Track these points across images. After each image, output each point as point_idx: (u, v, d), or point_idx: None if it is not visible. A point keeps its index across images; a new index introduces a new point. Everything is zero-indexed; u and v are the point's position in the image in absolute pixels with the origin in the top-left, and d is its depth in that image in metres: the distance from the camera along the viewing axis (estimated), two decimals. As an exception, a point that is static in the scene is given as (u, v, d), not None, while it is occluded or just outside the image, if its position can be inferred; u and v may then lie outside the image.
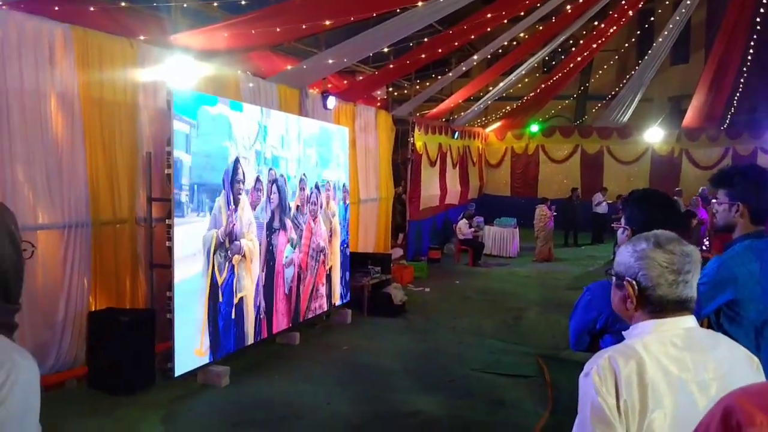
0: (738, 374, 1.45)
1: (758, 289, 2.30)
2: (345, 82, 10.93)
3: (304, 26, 7.14)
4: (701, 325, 1.61)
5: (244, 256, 5.92)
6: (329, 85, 9.79)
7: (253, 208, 6.06)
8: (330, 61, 8.51)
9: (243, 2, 6.82)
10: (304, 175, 6.98)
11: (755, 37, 13.40)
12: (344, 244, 8.15)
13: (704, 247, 8.84)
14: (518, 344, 6.95)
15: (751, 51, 13.73)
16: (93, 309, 5.46)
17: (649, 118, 17.31)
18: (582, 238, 15.48)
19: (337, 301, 7.90)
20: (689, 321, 1.51)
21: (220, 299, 5.59)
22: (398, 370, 6.06)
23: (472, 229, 13.04)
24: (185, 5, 6.71)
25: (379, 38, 8.89)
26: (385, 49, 10.52)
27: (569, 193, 15.63)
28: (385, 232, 11.14)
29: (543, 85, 16.04)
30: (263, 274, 6.24)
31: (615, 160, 17.23)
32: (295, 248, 6.83)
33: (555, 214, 13.42)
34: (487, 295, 9.63)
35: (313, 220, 7.26)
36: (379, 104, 12.19)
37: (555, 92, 16.70)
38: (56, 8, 5.10)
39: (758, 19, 12.87)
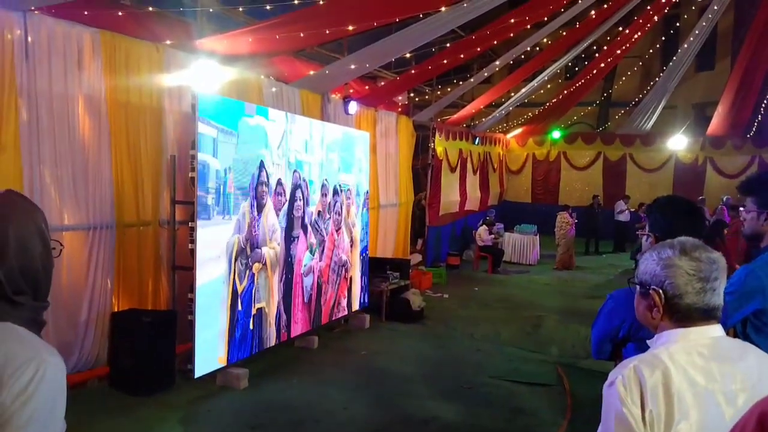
0: (767, 385, 1.41)
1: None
2: (366, 87, 10.95)
3: (327, 31, 7.18)
4: (727, 335, 1.57)
5: (264, 264, 5.95)
6: (351, 90, 9.82)
7: (277, 212, 6.10)
8: (352, 67, 8.54)
9: (268, 7, 6.87)
10: (326, 180, 7.01)
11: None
12: (364, 251, 8.16)
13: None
14: (537, 352, 6.90)
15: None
16: (116, 310, 5.53)
17: (673, 126, 17.08)
18: (603, 247, 15.32)
19: (356, 306, 7.90)
20: (716, 330, 1.48)
21: (240, 308, 5.62)
22: (416, 376, 6.04)
23: (492, 236, 12.97)
24: (211, 10, 6.78)
25: (402, 43, 8.88)
26: (407, 55, 10.52)
27: (591, 201, 15.49)
28: (404, 238, 11.12)
29: (565, 92, 15.92)
30: (282, 284, 6.24)
31: (638, 167, 17.04)
32: (314, 254, 6.83)
33: (576, 221, 13.32)
34: (506, 302, 9.56)
35: (336, 232, 7.28)
36: (400, 109, 12.19)
37: (578, 99, 16.56)
38: (86, 13, 5.19)
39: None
